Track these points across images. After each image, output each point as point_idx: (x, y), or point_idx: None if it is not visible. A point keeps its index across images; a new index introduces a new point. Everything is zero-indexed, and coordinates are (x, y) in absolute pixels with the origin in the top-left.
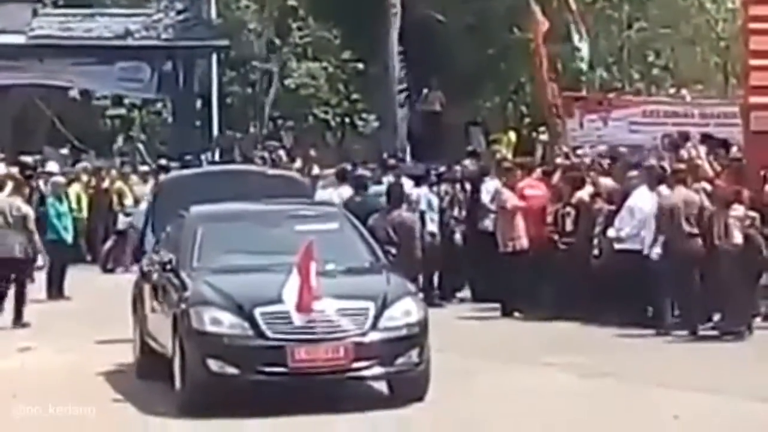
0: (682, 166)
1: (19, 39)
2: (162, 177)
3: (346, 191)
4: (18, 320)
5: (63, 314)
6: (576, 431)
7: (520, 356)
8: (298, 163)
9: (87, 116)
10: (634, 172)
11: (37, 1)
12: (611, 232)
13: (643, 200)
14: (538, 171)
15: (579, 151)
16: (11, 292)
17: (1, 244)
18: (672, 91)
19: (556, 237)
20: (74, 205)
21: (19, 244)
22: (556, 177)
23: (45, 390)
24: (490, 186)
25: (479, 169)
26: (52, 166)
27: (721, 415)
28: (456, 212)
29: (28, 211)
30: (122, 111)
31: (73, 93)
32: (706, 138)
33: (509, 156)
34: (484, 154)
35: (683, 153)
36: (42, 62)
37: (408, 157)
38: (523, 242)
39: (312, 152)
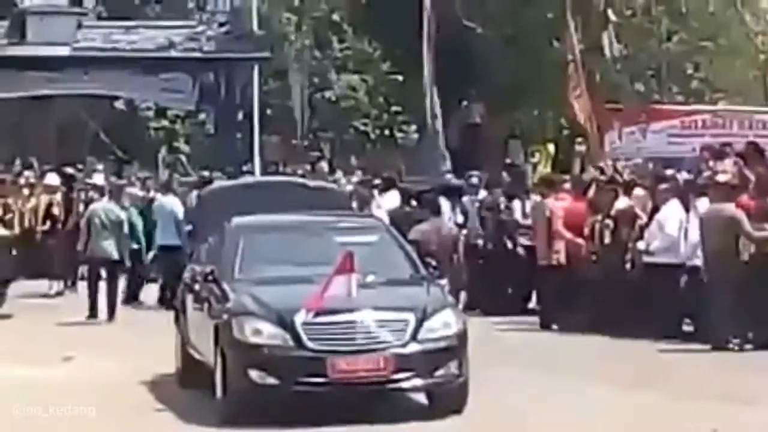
0: (723, 178)
1: (64, 51)
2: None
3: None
4: (112, 316)
5: (106, 323)
6: None
7: (560, 368)
8: (337, 175)
9: (132, 127)
10: (664, 185)
11: (82, 13)
12: (641, 245)
13: (674, 214)
14: (568, 185)
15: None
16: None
17: (98, 246)
18: (711, 104)
19: (593, 249)
20: None
21: (114, 246)
22: (591, 189)
23: (87, 398)
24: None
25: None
26: (97, 178)
27: (761, 429)
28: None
29: (123, 217)
30: (166, 122)
31: (119, 104)
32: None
33: (548, 168)
34: (522, 166)
35: (719, 165)
36: (86, 74)
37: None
38: (562, 256)
39: (353, 161)
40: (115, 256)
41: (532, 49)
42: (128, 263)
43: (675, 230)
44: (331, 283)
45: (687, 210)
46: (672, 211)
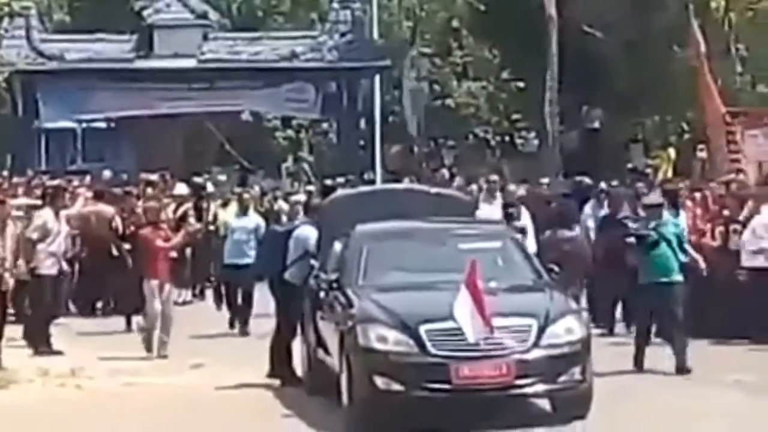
0: None
1: (190, 63)
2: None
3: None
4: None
5: (235, 331)
6: None
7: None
8: (458, 182)
9: (257, 137)
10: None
11: (207, 26)
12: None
13: None
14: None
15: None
16: None
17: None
18: None
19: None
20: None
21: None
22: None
23: (217, 405)
24: None
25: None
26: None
27: None
28: None
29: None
30: (291, 132)
31: (245, 116)
32: None
33: (669, 173)
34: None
35: None
36: (212, 85)
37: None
38: None
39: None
40: None
41: (653, 54)
42: None
43: None
44: (482, 296)
45: None
46: None
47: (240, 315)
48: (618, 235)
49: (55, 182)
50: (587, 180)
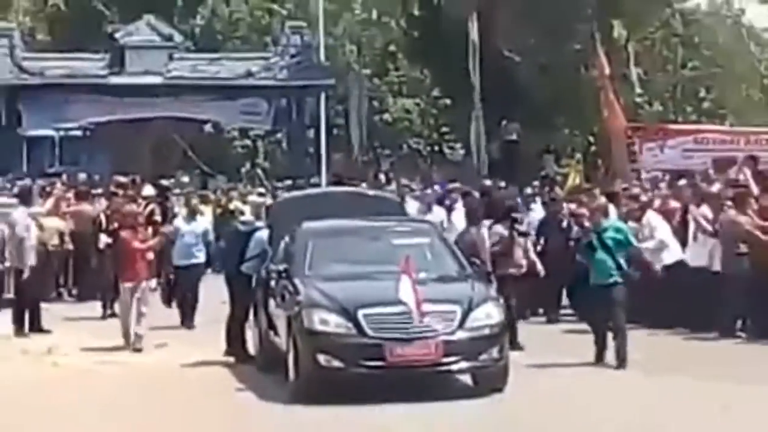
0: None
1: (157, 80)
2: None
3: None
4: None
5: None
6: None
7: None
8: (393, 186)
9: (218, 146)
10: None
11: (173, 47)
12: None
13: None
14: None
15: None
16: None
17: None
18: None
19: None
20: None
21: None
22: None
23: (179, 380)
24: None
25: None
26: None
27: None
28: None
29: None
30: (248, 141)
31: (207, 127)
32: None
33: (577, 181)
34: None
35: (731, 175)
36: (176, 99)
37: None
38: None
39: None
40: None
41: (564, 76)
42: None
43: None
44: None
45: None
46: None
47: (187, 310)
48: (555, 239)
49: (26, 182)
50: (487, 182)
